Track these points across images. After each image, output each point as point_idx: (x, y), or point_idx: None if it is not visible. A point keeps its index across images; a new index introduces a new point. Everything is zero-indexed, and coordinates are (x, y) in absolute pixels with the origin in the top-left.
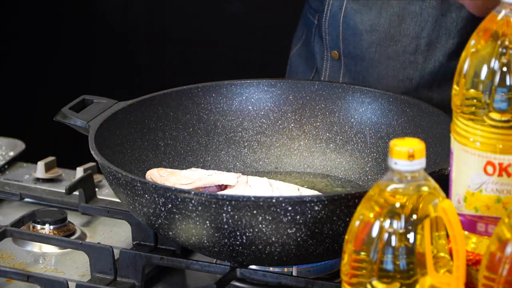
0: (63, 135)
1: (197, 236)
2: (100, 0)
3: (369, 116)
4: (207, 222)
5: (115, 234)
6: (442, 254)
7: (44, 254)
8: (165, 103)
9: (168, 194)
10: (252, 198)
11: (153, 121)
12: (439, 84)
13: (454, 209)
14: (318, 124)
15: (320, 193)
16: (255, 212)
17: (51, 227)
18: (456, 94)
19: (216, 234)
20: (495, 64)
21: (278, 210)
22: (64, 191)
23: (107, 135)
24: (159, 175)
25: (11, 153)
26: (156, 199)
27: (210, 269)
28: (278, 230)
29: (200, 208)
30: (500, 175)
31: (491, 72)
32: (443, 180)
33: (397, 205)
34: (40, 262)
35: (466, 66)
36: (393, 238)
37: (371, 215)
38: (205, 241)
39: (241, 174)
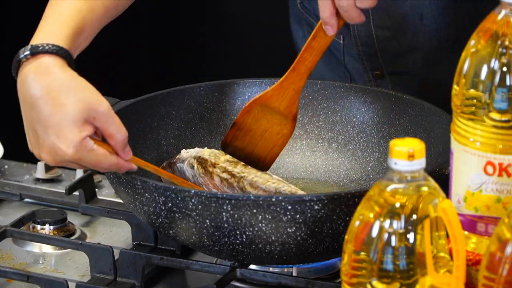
0: None
1: (197, 235)
2: None
3: (371, 115)
4: (207, 221)
5: (115, 234)
6: (442, 254)
7: (44, 254)
8: (168, 102)
9: (168, 193)
10: (252, 197)
11: (155, 120)
12: None
13: (454, 209)
14: (320, 123)
15: (320, 192)
16: (255, 211)
17: (51, 227)
18: (456, 94)
19: (216, 233)
20: (495, 64)
21: (278, 209)
22: (64, 191)
23: None
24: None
25: None
26: (156, 198)
27: (210, 269)
28: (278, 229)
29: (200, 207)
30: (500, 175)
31: (491, 72)
32: (443, 180)
33: (397, 205)
34: (40, 262)
35: (466, 66)
36: (393, 238)
37: (371, 215)
38: (205, 240)
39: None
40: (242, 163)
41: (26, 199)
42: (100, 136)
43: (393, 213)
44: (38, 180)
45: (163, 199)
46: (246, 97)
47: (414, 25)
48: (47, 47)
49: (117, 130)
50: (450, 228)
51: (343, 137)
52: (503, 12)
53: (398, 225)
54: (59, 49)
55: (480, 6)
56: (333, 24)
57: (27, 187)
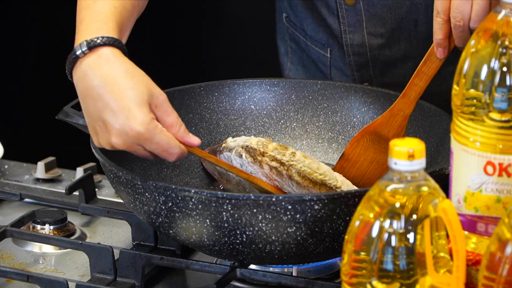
0: (63, 135)
1: (197, 234)
2: None
3: (372, 115)
4: (207, 220)
5: (115, 234)
6: (442, 254)
7: (44, 254)
8: None
9: (168, 193)
10: (252, 197)
11: None
12: None
13: (454, 209)
14: (321, 123)
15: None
16: (255, 210)
17: (51, 227)
18: (456, 94)
19: (216, 233)
20: (495, 64)
21: (278, 208)
22: (64, 191)
23: None
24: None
25: None
26: (157, 197)
27: (210, 269)
28: (278, 228)
29: (200, 206)
30: (500, 175)
31: (491, 72)
32: (443, 180)
33: (397, 205)
34: (40, 262)
35: (466, 66)
36: (393, 238)
37: (371, 215)
38: (205, 240)
39: None
40: (291, 149)
41: (26, 199)
42: None
43: (393, 213)
44: (38, 180)
45: (163, 198)
46: (246, 97)
47: (409, 32)
48: (103, 40)
49: (177, 120)
50: (450, 228)
51: (343, 137)
52: (503, 12)
53: (398, 225)
54: (114, 40)
55: None
56: (445, 46)
57: (27, 187)
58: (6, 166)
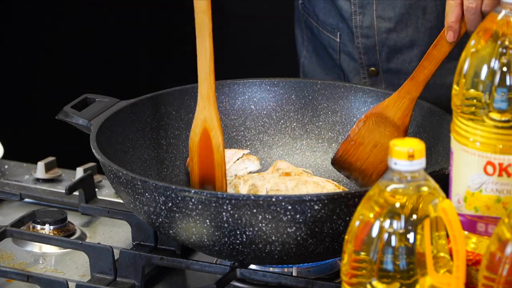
0: (63, 135)
1: (197, 234)
2: None
3: None
4: (207, 220)
5: (115, 234)
6: (442, 254)
7: (44, 254)
8: (167, 102)
9: (168, 193)
10: (252, 197)
11: (155, 120)
12: None
13: (454, 209)
14: (321, 123)
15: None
16: (255, 211)
17: (51, 227)
18: (456, 94)
19: (216, 233)
20: (495, 64)
21: (278, 209)
22: (64, 191)
23: (109, 133)
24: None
25: None
26: (157, 197)
27: (210, 269)
28: (278, 229)
29: (200, 206)
30: (500, 175)
31: (491, 72)
32: (443, 180)
33: (397, 205)
34: (40, 262)
35: (466, 66)
36: (393, 238)
37: (371, 215)
38: (205, 240)
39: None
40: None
41: (26, 199)
42: None
43: (393, 213)
44: (38, 180)
45: (163, 199)
46: (246, 97)
47: (417, 18)
48: None
49: None
50: (450, 228)
51: (343, 137)
52: (503, 12)
53: (398, 225)
54: None
55: None
56: (456, 30)
57: (27, 187)
58: (6, 166)
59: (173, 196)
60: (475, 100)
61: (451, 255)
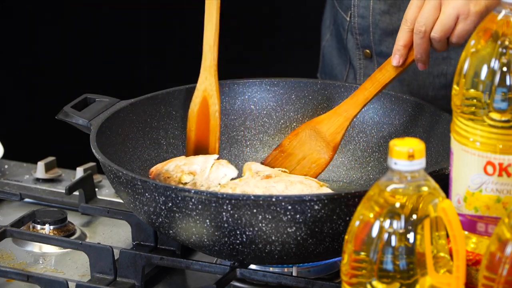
0: (63, 135)
1: (197, 234)
2: None
3: (371, 115)
4: (207, 220)
5: (115, 234)
6: (442, 254)
7: (44, 254)
8: (168, 102)
9: (168, 193)
10: (252, 197)
11: (155, 119)
12: None
13: (454, 209)
14: None
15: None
16: (255, 211)
17: (51, 227)
18: (456, 94)
19: (216, 233)
20: (495, 64)
21: (278, 209)
22: (64, 191)
23: (109, 133)
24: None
25: None
26: (157, 197)
27: (210, 269)
28: (278, 229)
29: (200, 206)
30: (500, 175)
31: (491, 72)
32: (443, 180)
33: (397, 205)
34: (40, 262)
35: (466, 66)
36: (393, 238)
37: (371, 215)
38: (205, 240)
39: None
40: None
41: (26, 199)
42: None
43: (393, 213)
44: (38, 180)
45: (163, 199)
46: (246, 97)
47: None
48: None
49: None
50: (450, 228)
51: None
52: (503, 12)
53: (398, 225)
54: None
55: None
56: (402, 55)
57: (27, 187)
58: (6, 166)
59: (173, 196)
60: (475, 100)
61: (451, 255)
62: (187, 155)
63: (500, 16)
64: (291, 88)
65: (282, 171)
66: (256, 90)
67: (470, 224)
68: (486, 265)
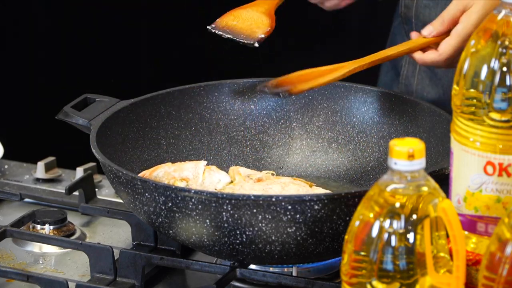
0: (63, 135)
1: (197, 234)
2: None
3: (371, 115)
4: (207, 220)
5: (115, 234)
6: (442, 254)
7: (44, 254)
8: (168, 102)
9: (168, 193)
10: (252, 197)
11: (155, 120)
12: None
13: (454, 209)
14: (320, 123)
15: (320, 192)
16: (254, 211)
17: (51, 227)
18: (456, 94)
19: (216, 233)
20: (495, 64)
21: (278, 209)
22: (64, 191)
23: (109, 133)
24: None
25: None
26: (157, 197)
27: (210, 269)
28: (278, 229)
29: (200, 206)
30: (500, 175)
31: (491, 72)
32: (443, 180)
33: (397, 205)
34: (40, 262)
35: (466, 66)
36: (393, 238)
37: (371, 215)
38: (205, 240)
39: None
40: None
41: (26, 199)
42: None
43: (393, 213)
44: (38, 180)
45: (163, 199)
46: (246, 97)
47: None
48: None
49: None
50: (450, 228)
51: (343, 137)
52: (503, 12)
53: (398, 225)
54: None
55: None
56: (436, 30)
57: (27, 187)
58: (6, 166)
59: (173, 196)
60: (475, 100)
61: (451, 255)
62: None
63: (500, 16)
64: None
65: (268, 173)
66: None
67: (470, 224)
68: (486, 265)
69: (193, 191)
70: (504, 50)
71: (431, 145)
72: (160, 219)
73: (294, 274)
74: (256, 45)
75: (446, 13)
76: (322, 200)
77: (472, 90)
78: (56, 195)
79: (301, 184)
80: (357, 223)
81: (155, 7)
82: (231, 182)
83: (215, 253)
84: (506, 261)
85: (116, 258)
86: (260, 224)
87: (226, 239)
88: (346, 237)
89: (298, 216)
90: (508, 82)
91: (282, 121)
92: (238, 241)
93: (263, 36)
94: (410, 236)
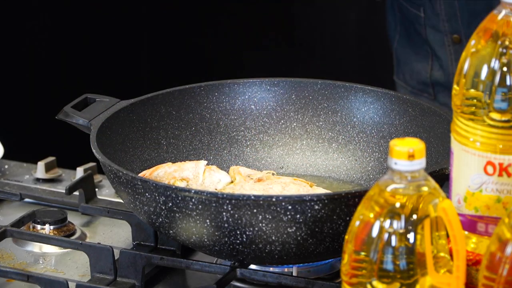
0: (63, 135)
1: (197, 234)
2: None
3: (372, 115)
4: (207, 220)
5: (115, 234)
6: (442, 254)
7: (44, 254)
8: (168, 102)
9: (168, 193)
10: (252, 197)
11: (155, 120)
12: None
13: (454, 209)
14: (321, 123)
15: (320, 192)
16: (255, 211)
17: (51, 227)
18: (456, 94)
19: (216, 233)
20: (495, 64)
21: (278, 209)
22: (64, 191)
23: (109, 133)
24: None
25: None
26: (157, 197)
27: (210, 269)
28: (278, 229)
29: (200, 206)
30: (500, 175)
31: (491, 72)
32: (443, 180)
33: (397, 205)
34: (40, 262)
35: (466, 66)
36: (393, 238)
37: (371, 215)
38: (206, 240)
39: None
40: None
41: (26, 199)
42: None
43: (393, 213)
44: (38, 180)
45: (163, 199)
46: (246, 97)
47: None
48: None
49: None
50: (450, 228)
51: (343, 137)
52: (503, 12)
53: (398, 225)
54: None
55: None
56: None
57: (27, 187)
58: (6, 166)
59: (173, 196)
60: (475, 100)
61: (451, 255)
62: None
63: (500, 16)
64: (291, 88)
65: (268, 173)
66: (256, 90)
67: (470, 224)
68: (486, 265)
69: (193, 191)
70: (504, 50)
71: (431, 145)
72: (160, 219)
73: (294, 274)
74: None
75: None
76: (322, 200)
77: (472, 90)
78: (56, 195)
79: (301, 184)
80: (357, 223)
81: (155, 7)
82: (232, 182)
83: (215, 253)
84: (506, 261)
85: (116, 258)
86: (260, 224)
87: (226, 239)
88: (346, 237)
89: (298, 216)
90: (508, 82)
91: (282, 121)
92: (238, 241)
93: None
94: (410, 236)
